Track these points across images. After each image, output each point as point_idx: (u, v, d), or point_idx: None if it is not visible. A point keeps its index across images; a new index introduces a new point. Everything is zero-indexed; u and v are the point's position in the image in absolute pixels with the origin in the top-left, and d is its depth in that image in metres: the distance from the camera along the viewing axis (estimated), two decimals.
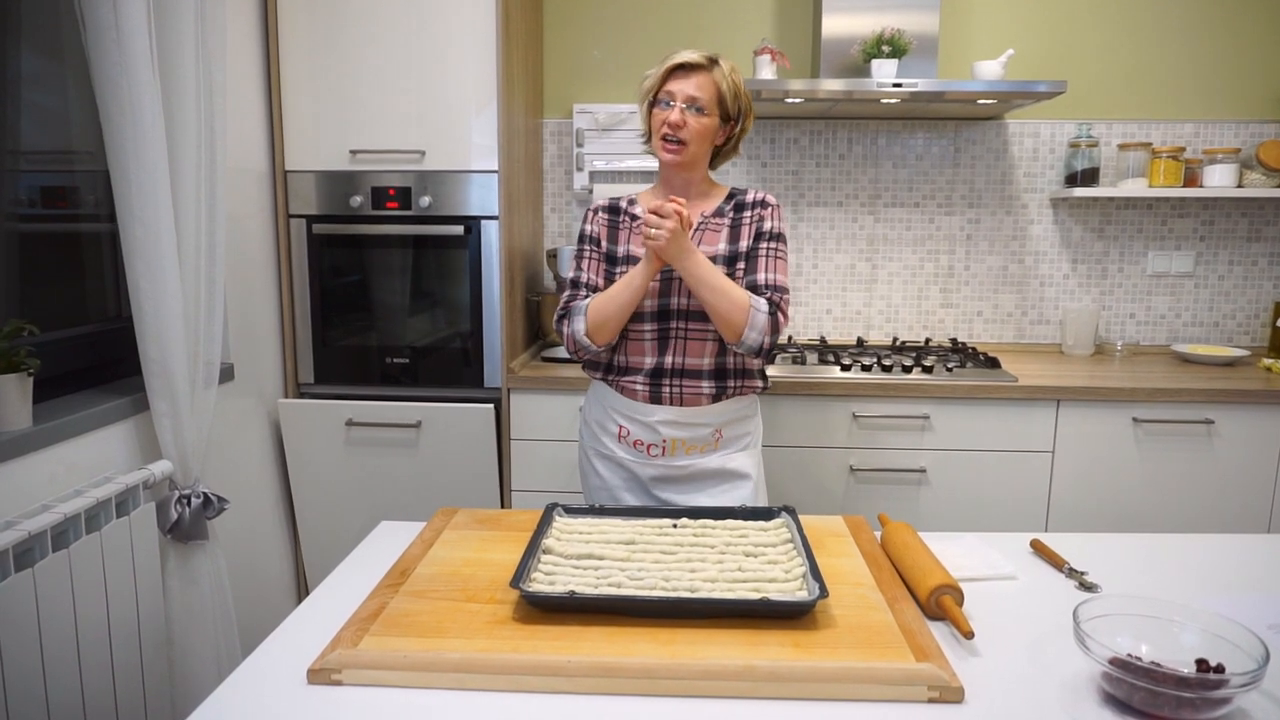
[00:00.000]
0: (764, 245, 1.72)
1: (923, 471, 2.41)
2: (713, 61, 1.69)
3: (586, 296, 1.76)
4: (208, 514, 1.86)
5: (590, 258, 1.79)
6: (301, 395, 2.56)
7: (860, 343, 2.89)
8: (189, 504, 1.82)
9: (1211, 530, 2.38)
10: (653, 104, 1.70)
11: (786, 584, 1.16)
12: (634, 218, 1.78)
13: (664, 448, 1.73)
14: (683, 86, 1.67)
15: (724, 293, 1.63)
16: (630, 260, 1.74)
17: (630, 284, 1.66)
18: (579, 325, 1.71)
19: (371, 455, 2.48)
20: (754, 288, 1.69)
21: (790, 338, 2.97)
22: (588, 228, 1.81)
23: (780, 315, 1.68)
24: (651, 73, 1.71)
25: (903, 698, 0.97)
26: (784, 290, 1.70)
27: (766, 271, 1.70)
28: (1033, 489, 2.41)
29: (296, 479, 2.51)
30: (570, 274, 1.82)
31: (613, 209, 1.81)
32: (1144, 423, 2.36)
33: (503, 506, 2.51)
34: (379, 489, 2.50)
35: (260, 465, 2.42)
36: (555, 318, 1.78)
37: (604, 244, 1.78)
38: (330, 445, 2.47)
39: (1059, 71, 2.83)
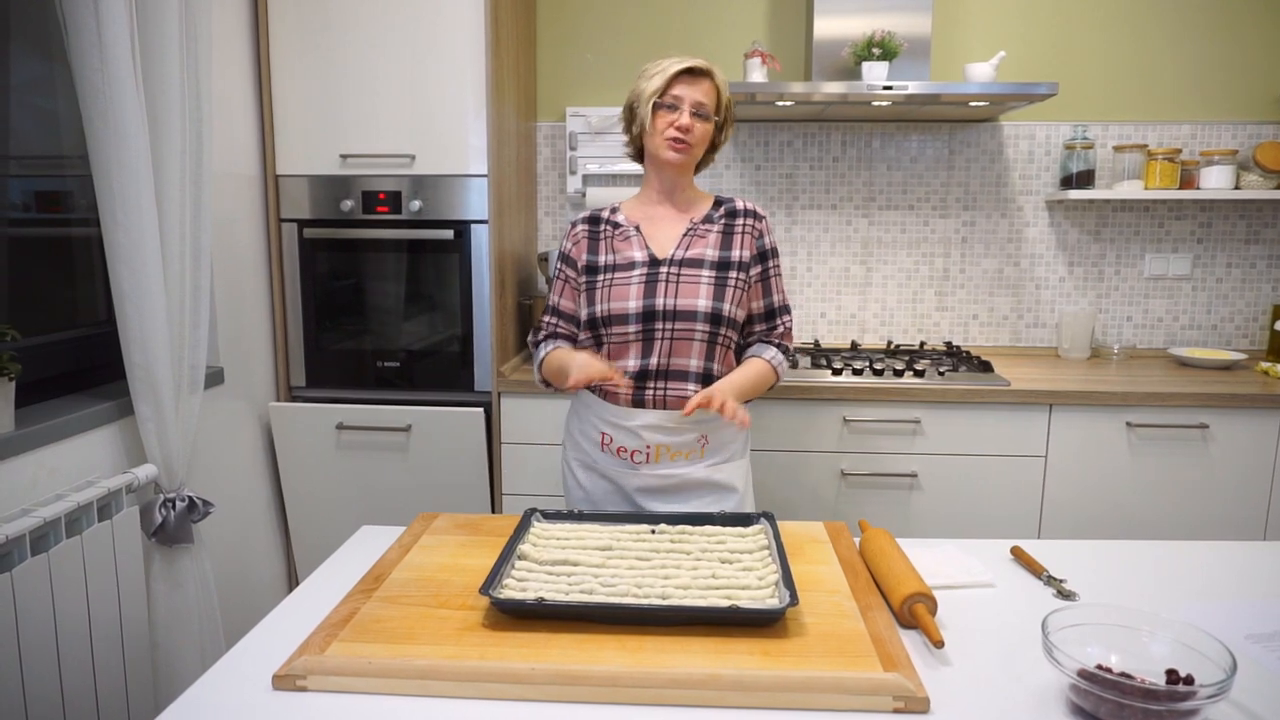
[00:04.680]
0: (770, 265, 1.80)
1: (914, 476, 2.39)
2: (712, 69, 1.73)
3: (556, 327, 1.82)
4: (193, 517, 1.87)
5: (563, 281, 1.82)
6: (293, 399, 2.56)
7: (854, 346, 2.87)
8: (173, 508, 1.82)
9: (1205, 536, 2.36)
10: (658, 105, 1.70)
11: (759, 591, 1.16)
12: (615, 226, 1.79)
13: (648, 454, 1.71)
14: (691, 92, 1.69)
15: (761, 384, 1.76)
16: (615, 268, 1.73)
17: (564, 370, 1.67)
18: (536, 374, 1.83)
19: (362, 459, 2.48)
20: (771, 311, 1.81)
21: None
22: (566, 245, 1.82)
23: (788, 339, 1.84)
24: (654, 72, 1.70)
25: (868, 708, 0.96)
26: (790, 308, 1.85)
27: (778, 293, 1.82)
28: (1025, 494, 2.39)
29: (288, 482, 2.51)
30: (548, 296, 1.85)
31: (593, 220, 1.82)
32: (1137, 427, 2.34)
33: (493, 510, 2.51)
34: (370, 492, 2.50)
35: (251, 469, 2.42)
36: (530, 340, 1.87)
37: (584, 257, 1.77)
38: (321, 449, 2.47)
39: (1052, 73, 2.81)
